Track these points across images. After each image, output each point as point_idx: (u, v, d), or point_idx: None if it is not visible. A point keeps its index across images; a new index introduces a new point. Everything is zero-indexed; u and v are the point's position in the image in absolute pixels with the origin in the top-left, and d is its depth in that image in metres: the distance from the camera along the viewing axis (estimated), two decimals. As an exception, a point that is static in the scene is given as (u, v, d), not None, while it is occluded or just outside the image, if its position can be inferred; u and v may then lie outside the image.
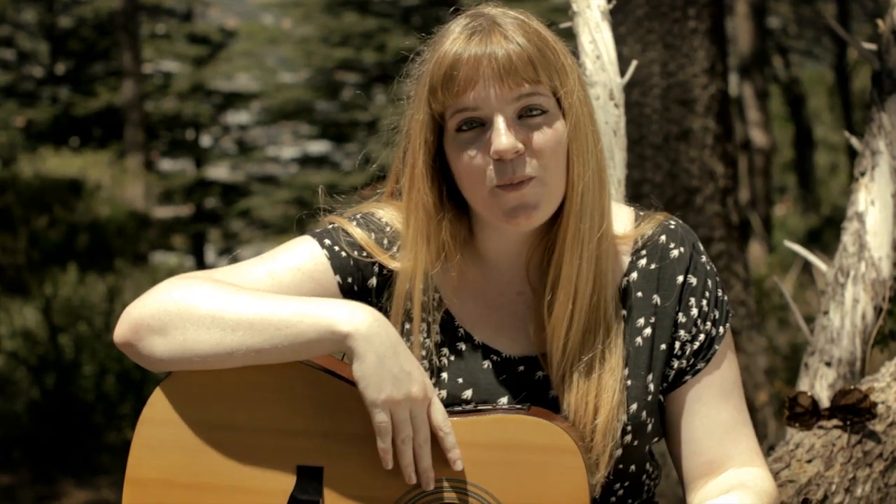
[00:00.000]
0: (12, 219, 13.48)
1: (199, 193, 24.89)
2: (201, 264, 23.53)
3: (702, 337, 2.40)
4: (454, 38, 2.30)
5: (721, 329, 2.41)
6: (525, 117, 2.28)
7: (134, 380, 9.58)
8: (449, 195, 2.37)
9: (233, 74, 26.75)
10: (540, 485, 2.24)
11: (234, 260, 2.44)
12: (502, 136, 2.25)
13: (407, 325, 2.38)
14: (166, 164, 26.74)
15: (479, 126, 2.28)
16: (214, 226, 25.32)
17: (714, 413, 2.40)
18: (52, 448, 9.34)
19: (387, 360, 2.20)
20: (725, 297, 2.44)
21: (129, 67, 20.15)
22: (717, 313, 2.41)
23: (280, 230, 23.81)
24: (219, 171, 27.32)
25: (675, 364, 2.39)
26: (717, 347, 2.40)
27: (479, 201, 2.31)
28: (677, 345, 2.39)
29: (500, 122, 2.26)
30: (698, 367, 2.39)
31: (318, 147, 26.57)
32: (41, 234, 13.63)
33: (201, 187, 25.07)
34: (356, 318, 2.21)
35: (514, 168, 2.26)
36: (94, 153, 19.97)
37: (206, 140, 26.92)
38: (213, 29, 26.86)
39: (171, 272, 13.88)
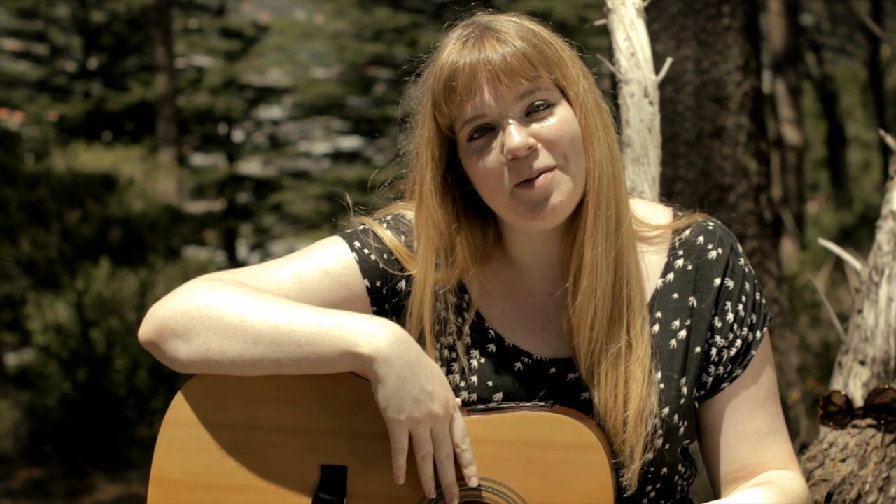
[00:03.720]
0: (45, 213, 13.51)
1: (231, 188, 24.95)
2: (233, 259, 23.60)
3: (738, 343, 2.38)
4: (449, 50, 2.31)
5: (758, 334, 2.40)
6: (532, 113, 2.28)
7: (165, 374, 9.63)
8: (468, 204, 2.37)
9: (265, 69, 26.80)
10: (564, 482, 2.24)
11: (267, 257, 2.44)
12: (514, 136, 2.26)
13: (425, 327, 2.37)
14: (198, 159, 26.79)
15: (490, 131, 2.29)
16: (246, 221, 25.38)
17: (748, 420, 2.39)
18: (83, 442, 9.39)
19: (407, 382, 2.19)
20: (763, 301, 2.43)
21: (161, 62, 20.18)
22: (754, 317, 2.40)
23: (311, 225, 23.86)
24: (251, 166, 27.37)
25: (713, 371, 2.38)
26: (753, 353, 2.39)
27: (501, 205, 2.31)
28: (714, 351, 2.38)
29: (508, 123, 2.27)
30: (735, 373, 2.38)
31: (350, 142, 26.62)
32: (73, 229, 13.66)
33: (233, 182, 25.14)
34: (376, 338, 2.20)
35: (531, 163, 2.27)
36: (127, 148, 20.01)
37: (238, 135, 26.98)
38: (245, 24, 26.91)
39: (203, 267, 13.92)
